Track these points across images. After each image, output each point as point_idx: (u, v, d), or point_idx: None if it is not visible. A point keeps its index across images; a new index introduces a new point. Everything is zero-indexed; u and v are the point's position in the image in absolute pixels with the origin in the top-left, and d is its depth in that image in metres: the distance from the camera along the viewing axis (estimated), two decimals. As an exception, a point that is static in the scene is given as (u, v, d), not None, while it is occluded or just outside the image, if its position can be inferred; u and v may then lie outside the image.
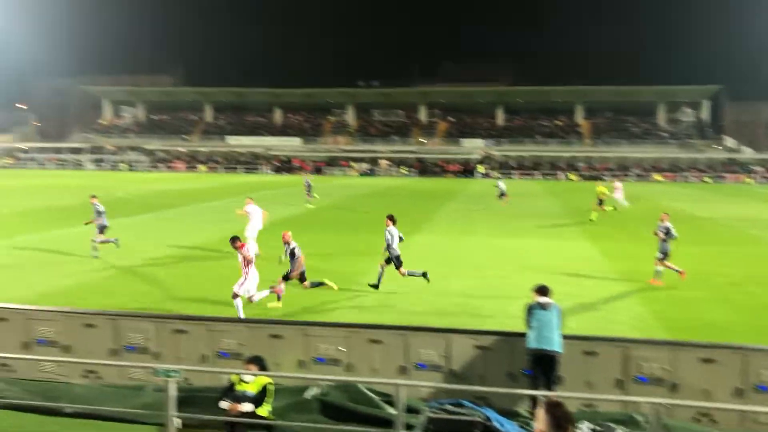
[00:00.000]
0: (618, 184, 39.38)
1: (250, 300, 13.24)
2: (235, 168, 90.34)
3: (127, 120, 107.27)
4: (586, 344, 8.78)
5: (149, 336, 9.50)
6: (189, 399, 8.16)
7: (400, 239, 15.60)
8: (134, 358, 9.38)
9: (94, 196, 20.84)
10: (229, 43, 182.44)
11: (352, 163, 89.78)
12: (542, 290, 8.91)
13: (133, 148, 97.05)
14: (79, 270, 17.42)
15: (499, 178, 63.20)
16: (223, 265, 18.26)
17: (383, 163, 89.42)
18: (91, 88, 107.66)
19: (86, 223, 21.07)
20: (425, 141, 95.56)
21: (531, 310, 8.70)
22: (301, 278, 14.33)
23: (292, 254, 14.17)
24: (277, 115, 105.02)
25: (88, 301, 13.74)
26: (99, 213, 20.05)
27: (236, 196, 43.52)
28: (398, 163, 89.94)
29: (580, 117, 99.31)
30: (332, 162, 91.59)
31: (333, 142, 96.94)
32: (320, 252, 20.60)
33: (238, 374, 7.65)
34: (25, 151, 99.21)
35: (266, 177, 78.20)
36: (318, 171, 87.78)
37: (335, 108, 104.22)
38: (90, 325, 9.64)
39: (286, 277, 14.22)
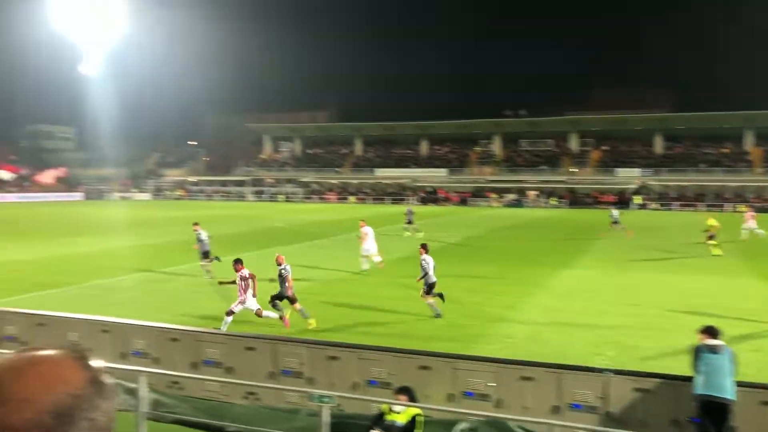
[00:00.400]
0: (750, 213, 36.95)
1: (257, 314, 14.14)
2: (383, 199, 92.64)
3: (285, 154, 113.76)
4: (765, 394, 7.97)
5: (304, 361, 9.86)
6: (341, 425, 8.34)
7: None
8: (290, 382, 9.76)
9: (196, 224, 22.87)
10: (379, 79, 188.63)
11: (492, 194, 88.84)
12: (711, 331, 8.24)
13: (289, 181, 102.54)
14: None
15: (615, 206, 59.94)
16: (361, 292, 18.67)
17: (531, 193, 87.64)
18: (254, 125, 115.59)
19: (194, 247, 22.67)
20: (576, 170, 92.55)
21: (698, 352, 8.05)
22: (291, 301, 14.67)
23: (281, 276, 14.73)
24: (424, 147, 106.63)
25: (247, 325, 14.54)
26: (200, 240, 21.88)
27: (382, 226, 44.42)
28: (548, 193, 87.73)
29: (749, 144, 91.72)
30: (478, 193, 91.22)
31: (479, 172, 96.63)
32: (468, 285, 20.46)
33: (388, 404, 7.72)
34: (195, 184, 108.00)
35: (412, 208, 79.22)
36: (463, 202, 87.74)
37: (481, 138, 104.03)
38: (251, 348, 10.18)
39: (275, 298, 14.79)
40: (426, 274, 15.74)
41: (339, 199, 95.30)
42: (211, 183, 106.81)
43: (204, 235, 22.00)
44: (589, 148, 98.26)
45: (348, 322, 15.04)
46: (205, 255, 21.75)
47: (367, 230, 23.64)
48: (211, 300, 17.78)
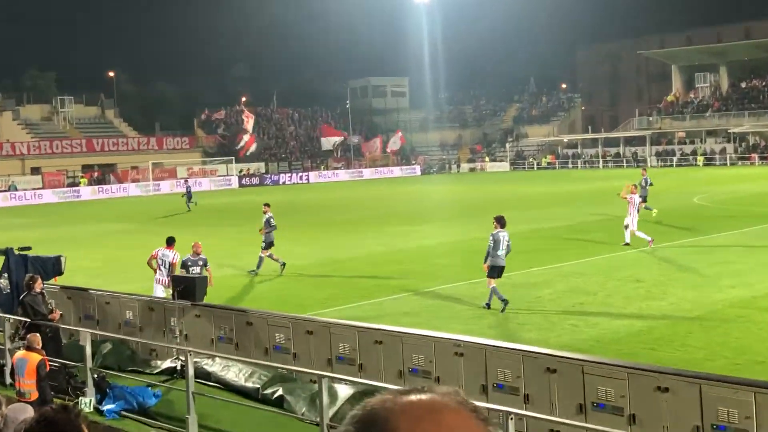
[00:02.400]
0: None
1: None
2: None
3: (705, 92, 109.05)
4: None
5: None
6: None
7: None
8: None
9: (267, 206, 26.37)
10: None
11: None
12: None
13: (711, 133, 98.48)
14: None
15: None
16: None
17: None
18: (653, 52, 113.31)
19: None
20: None
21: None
22: None
23: None
24: None
25: None
26: (269, 224, 25.44)
27: None
28: None
29: None
30: None
31: None
32: None
33: None
34: (570, 146, 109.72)
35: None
36: None
37: None
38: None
39: None
40: (488, 255, 19.35)
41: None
42: (592, 143, 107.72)
43: (273, 221, 25.48)
44: None
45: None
46: (269, 245, 25.34)
47: (632, 197, 28.72)
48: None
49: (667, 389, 10.12)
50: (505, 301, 18.63)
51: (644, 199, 36.79)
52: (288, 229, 39.06)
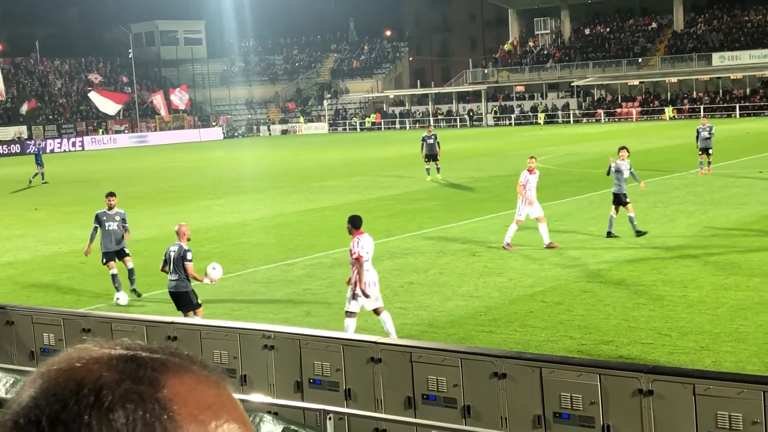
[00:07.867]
0: None
1: None
2: (731, 110, 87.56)
3: (545, 41, 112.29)
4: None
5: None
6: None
7: None
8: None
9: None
10: None
11: None
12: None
13: (551, 87, 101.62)
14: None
15: None
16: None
17: None
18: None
19: None
20: None
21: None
22: None
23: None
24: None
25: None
26: None
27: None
28: None
29: None
30: None
31: None
32: None
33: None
34: (396, 103, 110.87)
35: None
36: None
37: None
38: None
39: None
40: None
41: (642, 113, 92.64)
42: (422, 99, 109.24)
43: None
44: None
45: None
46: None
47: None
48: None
49: (504, 375, 10.36)
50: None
51: (433, 158, 39.91)
52: (50, 207, 38.03)
